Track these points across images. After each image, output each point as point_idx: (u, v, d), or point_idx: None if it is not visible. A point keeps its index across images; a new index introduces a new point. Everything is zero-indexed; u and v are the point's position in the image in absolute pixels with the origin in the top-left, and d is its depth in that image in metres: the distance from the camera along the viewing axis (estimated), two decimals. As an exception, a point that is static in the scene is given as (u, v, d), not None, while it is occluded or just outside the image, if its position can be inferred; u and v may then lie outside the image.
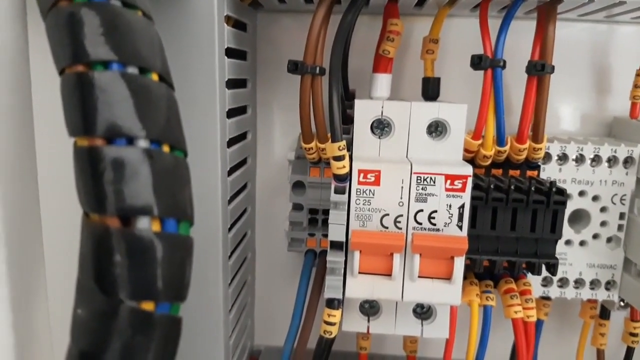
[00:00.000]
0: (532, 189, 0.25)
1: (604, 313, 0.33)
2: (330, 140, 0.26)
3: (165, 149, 0.15)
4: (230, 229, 0.29)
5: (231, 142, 0.28)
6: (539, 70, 0.25)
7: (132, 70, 0.15)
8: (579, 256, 0.31)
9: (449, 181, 0.25)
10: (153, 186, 0.14)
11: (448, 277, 0.25)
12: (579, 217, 0.31)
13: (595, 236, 0.31)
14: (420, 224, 0.25)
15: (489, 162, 0.28)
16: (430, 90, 0.29)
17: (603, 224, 0.30)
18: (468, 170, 0.25)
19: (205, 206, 0.26)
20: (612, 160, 0.30)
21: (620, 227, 0.30)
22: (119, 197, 0.14)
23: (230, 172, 0.28)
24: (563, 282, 0.31)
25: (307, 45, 0.25)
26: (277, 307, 0.37)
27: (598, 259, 0.31)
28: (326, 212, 0.31)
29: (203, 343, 0.28)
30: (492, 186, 0.25)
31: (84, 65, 0.14)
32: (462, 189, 0.25)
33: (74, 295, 0.15)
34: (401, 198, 0.25)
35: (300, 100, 0.26)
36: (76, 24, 0.14)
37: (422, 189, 0.25)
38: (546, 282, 0.32)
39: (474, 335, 0.29)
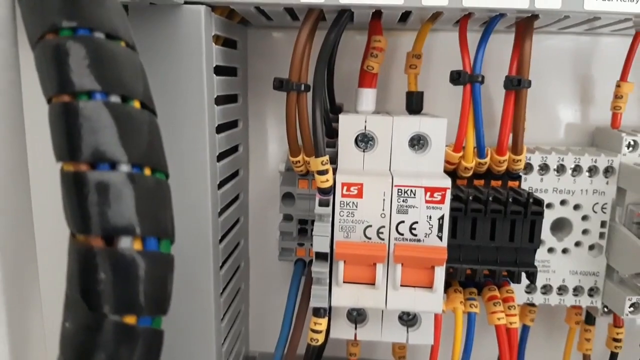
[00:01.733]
0: (510, 199, 0.26)
1: (589, 319, 0.34)
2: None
3: (147, 172, 0.16)
4: (222, 240, 0.30)
5: (222, 156, 0.29)
6: (516, 85, 0.26)
7: (115, 99, 0.16)
8: (562, 263, 0.32)
9: (428, 193, 0.26)
10: (135, 207, 0.15)
11: (430, 286, 0.26)
12: (561, 226, 0.32)
13: (577, 244, 0.31)
14: (402, 234, 0.26)
15: (470, 173, 0.29)
16: (414, 104, 0.30)
17: (585, 232, 0.31)
18: (447, 182, 0.25)
19: (196, 219, 0.27)
20: (592, 170, 0.31)
21: (602, 235, 0.31)
22: (102, 218, 0.15)
23: (221, 185, 0.29)
24: (547, 289, 0.32)
25: (292, 63, 0.26)
26: (270, 314, 0.38)
27: (580, 266, 0.32)
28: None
29: (196, 350, 0.29)
30: (470, 197, 0.26)
31: (69, 95, 0.15)
32: (442, 201, 0.26)
33: (62, 310, 0.16)
34: (383, 210, 0.26)
35: (287, 116, 0.27)
36: (62, 55, 0.15)
37: (403, 200, 0.26)
38: (530, 289, 0.32)
39: (459, 341, 0.30)
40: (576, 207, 0.31)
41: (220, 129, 0.29)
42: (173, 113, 0.26)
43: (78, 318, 0.15)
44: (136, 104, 0.16)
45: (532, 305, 0.34)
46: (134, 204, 0.15)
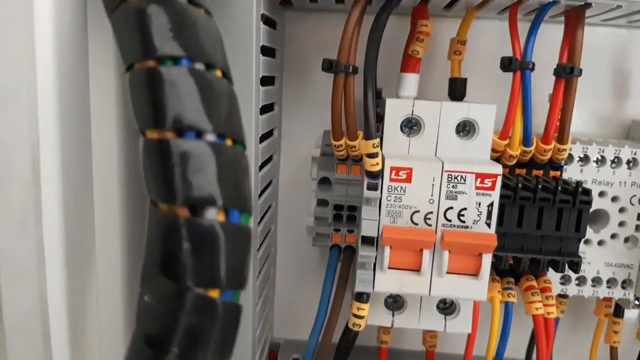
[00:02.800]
0: (559, 188, 0.26)
1: (618, 311, 0.34)
2: (361, 138, 0.27)
3: (229, 142, 0.15)
4: (260, 222, 0.29)
5: (261, 139, 0.29)
6: (568, 73, 0.26)
7: (199, 66, 0.15)
8: (597, 255, 0.32)
9: (479, 180, 0.25)
10: (218, 178, 0.15)
11: (475, 273, 0.26)
12: (598, 217, 0.31)
13: (613, 236, 0.31)
14: (450, 221, 0.26)
15: (514, 161, 0.29)
16: (457, 90, 0.30)
17: (621, 224, 0.31)
18: (498, 169, 0.25)
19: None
20: (631, 162, 0.30)
21: (637, 228, 0.31)
22: (187, 187, 0.14)
23: (261, 168, 0.29)
24: (581, 281, 0.32)
25: (341, 45, 0.26)
26: (296, 301, 0.37)
27: (615, 258, 0.31)
28: (351, 209, 0.31)
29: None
30: (520, 185, 0.26)
31: (153, 60, 0.15)
32: (492, 188, 0.25)
33: (139, 282, 0.15)
34: (432, 195, 0.26)
35: (333, 98, 0.27)
36: (145, 19, 0.15)
37: (453, 186, 0.25)
38: (564, 280, 0.32)
39: (495, 330, 0.29)
40: (614, 199, 0.31)
41: (263, 110, 0.28)
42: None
43: (159, 291, 0.15)
44: (218, 73, 0.16)
45: (564, 296, 0.34)
46: (217, 174, 0.15)
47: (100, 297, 0.20)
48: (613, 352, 0.35)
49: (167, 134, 0.14)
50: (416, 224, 0.26)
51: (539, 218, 0.27)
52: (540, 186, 0.26)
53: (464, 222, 0.26)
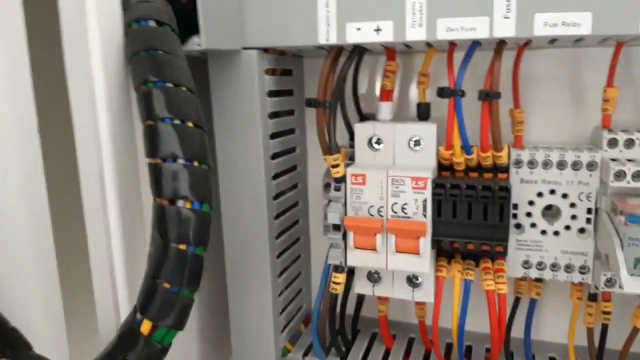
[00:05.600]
0: (480, 187, 0.33)
1: (592, 296, 0.39)
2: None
3: (196, 163, 0.27)
4: (278, 217, 0.41)
5: (277, 155, 0.40)
6: (486, 97, 0.33)
7: (177, 121, 0.27)
8: (554, 244, 0.37)
9: (414, 182, 0.34)
10: (189, 184, 0.26)
11: (417, 253, 0.34)
12: (552, 212, 0.37)
13: (567, 227, 0.37)
14: (396, 212, 0.35)
15: (463, 167, 0.36)
16: (422, 112, 0.38)
17: (573, 217, 0.37)
18: (427, 174, 0.34)
19: (255, 201, 0.38)
20: (576, 164, 0.36)
21: (588, 220, 0.36)
22: (169, 189, 0.26)
23: (276, 177, 0.40)
24: (542, 266, 0.38)
25: (318, 86, 0.36)
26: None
27: (571, 247, 0.37)
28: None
29: (257, 296, 0.40)
30: (448, 185, 0.34)
31: (152, 120, 0.27)
32: (424, 188, 0.34)
33: (150, 241, 0.27)
34: (382, 194, 0.35)
35: (317, 126, 0.37)
36: (149, 97, 0.27)
37: (396, 187, 0.34)
38: (528, 265, 0.38)
39: (457, 302, 0.37)
40: (564, 195, 0.36)
41: (276, 135, 0.40)
42: (237, 126, 0.37)
43: (155, 245, 0.27)
44: (190, 124, 0.27)
45: (539, 280, 0.40)
46: (189, 182, 0.26)
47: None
48: (589, 332, 0.40)
49: (157, 160, 0.27)
50: (372, 215, 0.35)
51: (469, 210, 0.34)
52: (464, 185, 0.34)
53: (406, 213, 0.34)
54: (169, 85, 0.28)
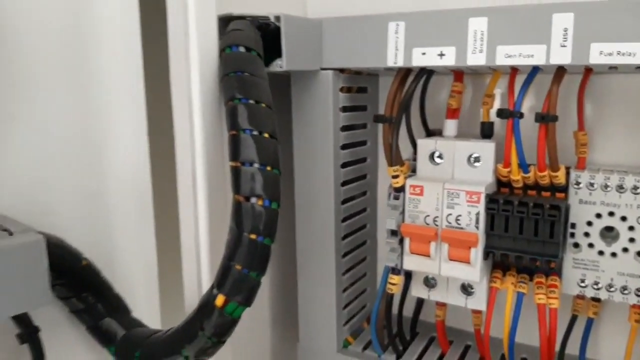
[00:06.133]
0: (531, 204, 0.35)
1: (651, 320, 0.39)
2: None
3: (269, 168, 0.32)
4: (344, 220, 0.45)
5: (347, 164, 0.44)
6: (542, 119, 0.35)
7: (256, 133, 0.32)
8: (611, 265, 0.38)
9: (469, 195, 0.36)
10: (262, 185, 0.31)
11: (469, 262, 0.37)
12: (610, 233, 0.38)
13: (624, 250, 0.37)
14: (450, 223, 0.37)
15: (521, 184, 0.38)
16: (486, 130, 0.40)
17: (631, 240, 0.37)
18: (481, 189, 0.36)
19: (325, 206, 0.43)
20: (637, 188, 0.36)
21: (647, 244, 0.37)
22: (246, 188, 0.31)
23: (345, 184, 0.44)
24: (598, 286, 0.39)
25: (385, 104, 0.40)
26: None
27: (628, 269, 0.37)
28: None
29: (324, 291, 0.44)
30: (501, 201, 0.36)
31: (236, 130, 0.32)
32: (478, 202, 0.36)
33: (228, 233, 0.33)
34: (437, 205, 0.38)
35: (383, 140, 0.41)
36: (235, 112, 0.33)
37: (451, 200, 0.37)
38: (584, 284, 0.39)
39: (508, 312, 0.39)
40: (623, 218, 0.37)
41: (347, 146, 0.44)
42: (312, 136, 0.42)
43: (232, 234, 0.32)
44: (266, 135, 0.32)
45: (597, 300, 0.40)
46: (262, 182, 0.31)
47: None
48: (648, 356, 0.40)
49: (238, 164, 0.32)
50: (427, 224, 0.38)
51: (521, 226, 0.36)
52: (517, 202, 0.36)
53: (460, 224, 0.37)
54: (252, 102, 0.33)
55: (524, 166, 0.37)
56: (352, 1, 0.47)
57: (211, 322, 0.30)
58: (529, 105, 0.42)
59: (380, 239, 0.52)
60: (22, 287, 0.26)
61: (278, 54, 0.37)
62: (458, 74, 0.41)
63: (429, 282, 0.42)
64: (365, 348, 0.46)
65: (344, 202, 0.45)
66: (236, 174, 0.32)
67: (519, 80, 0.37)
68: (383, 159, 0.50)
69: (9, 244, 0.26)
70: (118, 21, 0.33)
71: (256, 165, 0.32)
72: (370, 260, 0.51)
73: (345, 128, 0.43)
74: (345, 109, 0.43)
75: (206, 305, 0.31)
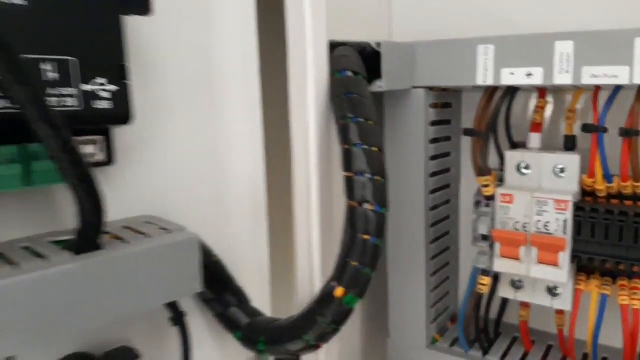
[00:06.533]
0: (617, 211, 0.38)
1: None
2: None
3: (377, 178, 0.36)
4: (432, 226, 0.49)
5: (434, 174, 0.48)
6: (625, 134, 0.38)
7: (366, 146, 0.37)
8: (695, 270, 0.40)
9: (557, 203, 0.40)
10: (372, 192, 0.36)
11: (556, 264, 0.40)
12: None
13: None
14: (539, 229, 0.41)
15: (604, 193, 0.41)
16: (568, 143, 0.43)
17: None
18: (569, 197, 0.39)
19: (416, 210, 0.47)
20: None
21: None
22: (358, 194, 0.36)
23: (433, 192, 0.48)
24: (683, 289, 0.41)
25: (474, 119, 0.44)
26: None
27: None
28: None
29: (414, 289, 0.48)
30: (587, 209, 0.39)
31: (348, 144, 0.37)
32: (565, 209, 0.39)
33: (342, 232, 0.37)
34: (526, 212, 0.41)
35: (472, 151, 0.44)
36: (346, 129, 0.37)
37: (540, 207, 0.40)
38: (669, 288, 0.41)
39: (592, 313, 0.42)
40: None
41: (434, 157, 0.48)
42: (404, 148, 0.46)
43: (347, 235, 0.37)
44: (374, 149, 0.37)
45: (680, 305, 0.42)
46: (372, 190, 0.36)
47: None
48: None
49: (351, 174, 0.37)
50: (517, 230, 0.42)
51: (606, 231, 0.39)
52: (603, 210, 0.38)
53: (548, 230, 0.40)
54: (361, 120, 0.38)
55: (607, 177, 0.40)
56: (433, 27, 0.51)
57: (331, 310, 0.35)
58: (609, 118, 0.44)
59: (462, 246, 0.55)
60: (180, 276, 0.32)
61: (374, 73, 0.42)
62: (542, 91, 0.44)
63: (515, 284, 0.45)
64: (451, 345, 0.50)
65: (432, 208, 0.48)
66: (349, 182, 0.36)
67: (601, 96, 0.40)
68: (465, 169, 0.53)
69: (171, 241, 0.32)
70: (239, 48, 0.39)
71: (367, 175, 0.36)
72: (453, 264, 0.54)
73: (433, 140, 0.47)
74: (433, 123, 0.47)
75: (326, 296, 0.36)
